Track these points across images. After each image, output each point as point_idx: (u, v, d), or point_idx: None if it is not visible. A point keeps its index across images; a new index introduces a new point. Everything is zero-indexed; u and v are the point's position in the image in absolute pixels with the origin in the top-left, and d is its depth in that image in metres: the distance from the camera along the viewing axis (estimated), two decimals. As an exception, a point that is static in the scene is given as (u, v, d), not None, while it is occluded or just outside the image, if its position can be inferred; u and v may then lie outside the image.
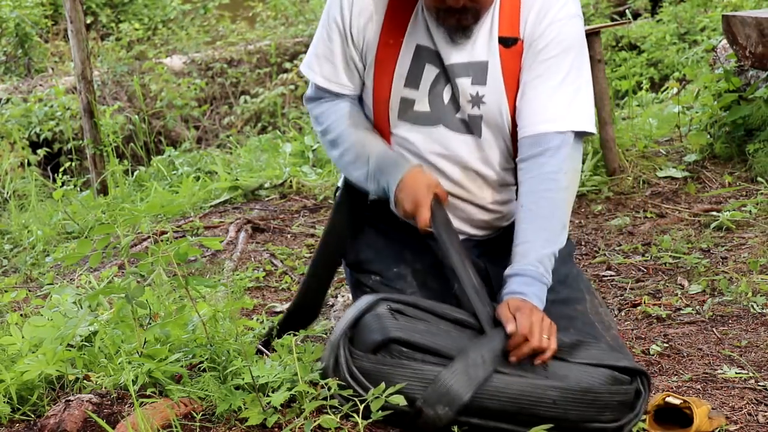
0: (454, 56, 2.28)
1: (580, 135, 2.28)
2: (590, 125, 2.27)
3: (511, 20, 2.28)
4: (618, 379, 2.13)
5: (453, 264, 2.22)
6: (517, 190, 2.35)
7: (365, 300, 2.18)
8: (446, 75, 2.30)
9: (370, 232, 2.47)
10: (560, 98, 2.25)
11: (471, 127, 2.33)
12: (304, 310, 2.54)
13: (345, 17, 2.33)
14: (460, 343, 2.10)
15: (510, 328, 2.07)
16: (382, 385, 2.03)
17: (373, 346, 2.09)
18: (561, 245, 2.24)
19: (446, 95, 2.32)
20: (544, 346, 2.07)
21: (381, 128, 2.39)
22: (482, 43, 2.28)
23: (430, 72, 2.30)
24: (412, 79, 2.31)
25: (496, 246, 2.41)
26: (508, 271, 2.19)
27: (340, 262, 2.53)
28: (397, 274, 2.38)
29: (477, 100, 2.30)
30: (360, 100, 2.43)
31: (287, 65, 9.05)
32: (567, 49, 2.27)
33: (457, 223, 2.37)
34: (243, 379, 2.14)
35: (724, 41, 4.67)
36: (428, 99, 2.32)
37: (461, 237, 2.36)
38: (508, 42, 2.28)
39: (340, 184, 2.54)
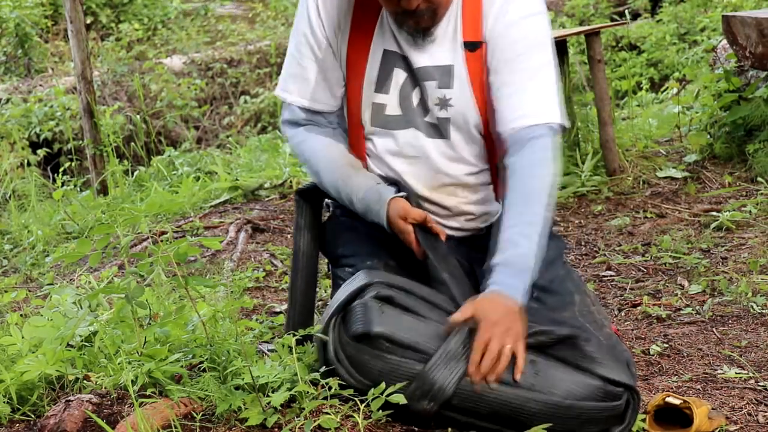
0: (421, 59, 2.31)
1: (555, 129, 2.28)
2: (565, 119, 2.30)
3: (473, 24, 2.30)
4: (609, 393, 2.09)
5: (443, 279, 2.24)
6: (495, 189, 2.41)
7: (359, 278, 2.20)
8: (415, 78, 2.33)
9: (349, 229, 2.50)
10: (535, 94, 2.26)
11: (440, 129, 2.35)
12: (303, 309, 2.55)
13: (316, 29, 2.34)
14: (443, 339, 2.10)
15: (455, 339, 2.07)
16: (382, 384, 2.03)
17: (356, 336, 2.11)
18: (549, 227, 2.21)
19: (415, 98, 2.34)
20: (487, 373, 2.03)
21: (357, 134, 2.40)
22: (446, 47, 2.31)
23: (398, 76, 2.33)
24: (382, 84, 2.33)
25: (479, 244, 2.41)
26: (495, 260, 2.15)
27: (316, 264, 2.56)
28: (370, 266, 2.38)
29: (444, 103, 2.33)
30: (341, 113, 2.44)
31: (287, 65, 9.05)
32: (532, 47, 2.27)
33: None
34: (243, 379, 2.14)
35: (724, 41, 4.67)
36: (398, 102, 2.34)
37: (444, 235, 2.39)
38: (472, 46, 2.30)
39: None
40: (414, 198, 2.36)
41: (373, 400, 2.04)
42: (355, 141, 2.41)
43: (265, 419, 2.07)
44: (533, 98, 2.25)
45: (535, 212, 2.18)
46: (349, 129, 2.42)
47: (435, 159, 2.35)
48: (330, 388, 2.08)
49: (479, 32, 2.30)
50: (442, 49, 2.30)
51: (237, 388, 2.16)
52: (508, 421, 2.07)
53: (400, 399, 2.01)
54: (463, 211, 2.42)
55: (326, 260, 2.62)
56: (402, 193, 2.32)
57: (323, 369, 2.13)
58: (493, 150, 2.38)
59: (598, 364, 2.11)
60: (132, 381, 2.15)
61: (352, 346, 2.12)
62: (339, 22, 2.33)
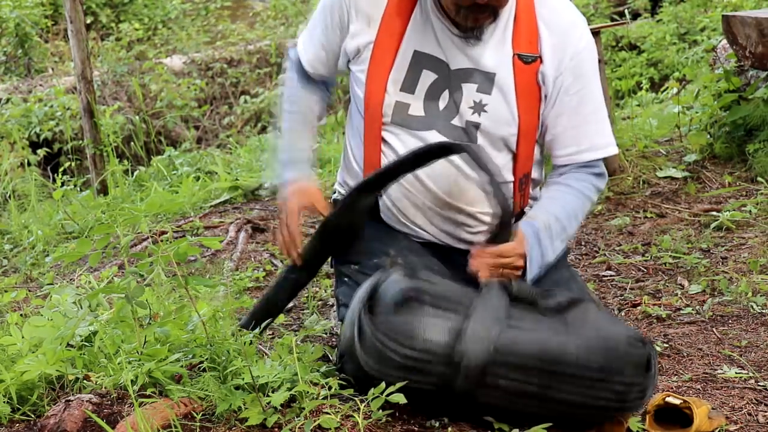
0: (462, 61, 2.31)
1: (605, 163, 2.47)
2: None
3: (528, 37, 2.31)
4: (633, 341, 2.11)
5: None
6: (514, 204, 2.43)
7: (377, 275, 2.20)
8: (447, 81, 2.32)
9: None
10: (600, 128, 2.40)
11: (467, 133, 2.34)
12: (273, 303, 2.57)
13: (341, 14, 2.38)
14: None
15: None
16: (382, 384, 2.03)
17: (395, 303, 2.10)
18: (569, 238, 2.40)
19: (442, 102, 2.34)
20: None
21: (372, 131, 2.39)
22: (491, 54, 2.31)
23: (427, 77, 2.32)
24: (409, 84, 2.33)
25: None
26: (531, 219, 2.32)
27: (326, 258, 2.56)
28: (376, 264, 2.38)
29: (479, 108, 2.32)
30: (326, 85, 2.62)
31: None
32: (592, 76, 2.37)
33: (446, 238, 2.42)
34: (243, 379, 2.13)
35: (724, 41, 4.66)
36: (423, 104, 2.33)
37: (454, 247, 2.42)
38: (527, 59, 2.31)
39: (341, 180, 2.57)
40: (427, 202, 2.37)
41: (372, 399, 2.04)
42: (371, 135, 2.39)
43: (265, 419, 2.07)
44: (596, 133, 2.39)
45: (571, 225, 2.37)
46: (366, 123, 2.39)
47: (455, 161, 2.33)
48: (330, 387, 2.08)
49: (535, 46, 2.31)
50: (488, 54, 2.31)
51: (237, 387, 2.16)
52: (549, 372, 2.05)
53: (400, 399, 2.01)
54: (478, 222, 2.41)
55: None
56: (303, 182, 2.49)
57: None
58: (520, 164, 2.39)
59: (617, 321, 2.21)
60: (132, 381, 2.15)
61: (393, 317, 2.09)
62: (369, 18, 2.34)
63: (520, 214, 2.45)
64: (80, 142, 5.85)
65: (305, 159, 2.54)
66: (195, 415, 2.12)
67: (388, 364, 2.05)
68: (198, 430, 2.07)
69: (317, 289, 3.34)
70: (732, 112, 4.46)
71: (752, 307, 2.94)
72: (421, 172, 2.34)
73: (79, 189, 5.53)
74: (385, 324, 2.07)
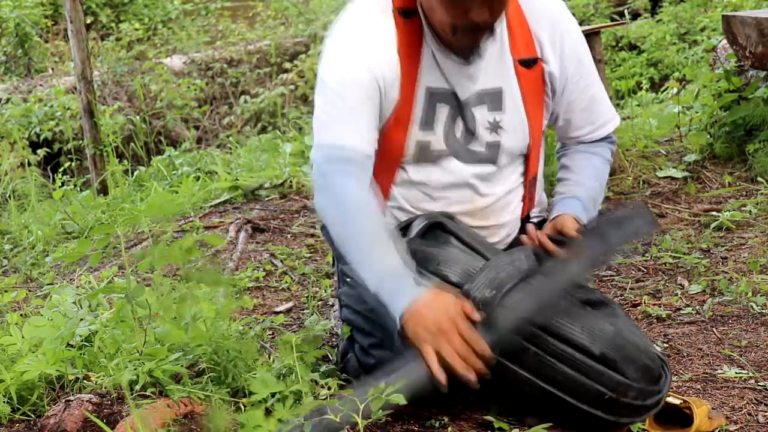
0: (469, 87, 2.28)
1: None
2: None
3: (524, 41, 2.30)
4: (649, 348, 2.14)
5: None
6: (524, 206, 2.46)
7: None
8: (458, 110, 2.30)
9: None
10: (604, 103, 2.46)
11: (488, 155, 2.34)
12: None
13: (380, 76, 2.22)
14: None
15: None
16: (382, 384, 2.03)
17: (422, 231, 2.21)
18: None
19: (458, 130, 2.32)
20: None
21: (389, 165, 2.35)
22: (493, 69, 2.29)
23: (442, 111, 2.29)
24: (427, 123, 2.29)
25: None
26: (565, 193, 2.39)
27: None
28: None
29: (495, 126, 2.32)
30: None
31: (287, 65, 9.05)
32: (586, 55, 2.41)
33: None
34: (247, 385, 2.12)
35: (724, 41, 4.66)
36: (444, 137, 2.31)
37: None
38: (528, 63, 2.31)
39: None
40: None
41: (372, 400, 2.04)
42: (383, 170, 2.34)
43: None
44: (604, 108, 2.46)
45: (599, 190, 2.43)
46: (381, 161, 2.31)
47: (475, 184, 2.35)
48: (330, 387, 2.08)
49: (533, 48, 2.31)
50: (490, 71, 2.28)
51: (237, 391, 2.16)
52: (544, 343, 2.09)
53: (400, 399, 2.01)
54: (493, 233, 2.42)
55: (330, 257, 2.61)
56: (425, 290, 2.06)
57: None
58: (531, 166, 2.42)
59: (642, 335, 2.20)
60: (132, 381, 2.15)
61: (416, 242, 2.20)
62: (394, 72, 2.23)
63: (527, 219, 2.48)
64: (80, 142, 5.85)
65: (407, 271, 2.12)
66: (195, 415, 2.11)
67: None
68: (198, 430, 2.07)
69: (317, 289, 3.34)
70: (732, 112, 4.45)
71: (752, 307, 2.94)
72: (441, 200, 2.35)
73: (79, 189, 5.53)
74: (410, 243, 2.19)
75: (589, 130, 2.45)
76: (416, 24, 2.25)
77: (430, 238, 2.25)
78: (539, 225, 2.41)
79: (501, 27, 2.28)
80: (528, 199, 2.46)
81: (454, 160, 2.33)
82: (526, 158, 2.40)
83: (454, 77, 2.27)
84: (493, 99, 2.30)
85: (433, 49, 2.26)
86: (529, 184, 2.44)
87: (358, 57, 2.21)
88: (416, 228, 2.26)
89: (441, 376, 1.97)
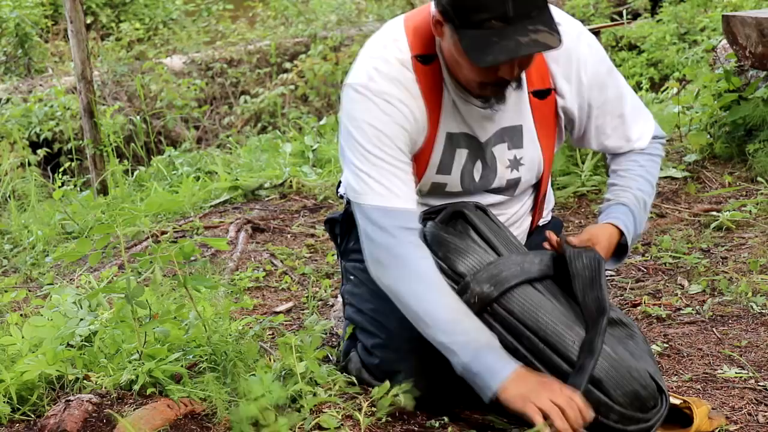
0: (488, 128, 2.27)
1: (658, 134, 2.47)
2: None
3: (538, 72, 2.27)
4: (650, 374, 2.11)
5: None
6: (533, 219, 2.47)
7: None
8: (478, 151, 2.29)
9: None
10: (637, 114, 2.40)
11: (507, 189, 2.36)
12: None
13: (411, 128, 2.20)
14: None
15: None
16: (387, 384, 2.03)
17: (446, 217, 2.26)
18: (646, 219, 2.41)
19: (477, 172, 2.32)
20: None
21: None
22: (511, 106, 2.26)
23: (460, 156, 2.29)
24: (445, 167, 2.29)
25: None
26: (611, 199, 2.35)
27: None
28: None
29: (516, 164, 2.32)
30: None
31: (287, 65, 9.05)
32: (609, 74, 2.34)
33: None
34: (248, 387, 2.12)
35: (724, 41, 4.66)
36: (459, 181, 2.32)
37: None
38: (542, 94, 2.29)
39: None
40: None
41: (380, 399, 2.04)
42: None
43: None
44: (638, 122, 2.40)
45: (649, 188, 2.38)
46: None
47: (487, 210, 2.35)
48: (330, 387, 2.08)
49: (547, 80, 2.28)
50: (509, 108, 2.26)
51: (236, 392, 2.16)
52: (538, 352, 2.10)
53: (408, 401, 2.01)
54: None
55: (332, 255, 2.61)
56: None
57: None
58: (542, 188, 2.43)
59: (643, 358, 2.16)
60: (132, 381, 2.15)
61: (438, 226, 2.24)
62: (423, 122, 2.22)
63: (537, 228, 2.50)
64: (80, 142, 5.85)
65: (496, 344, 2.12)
66: (195, 415, 2.12)
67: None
68: (198, 430, 2.07)
69: (317, 289, 3.34)
70: (732, 112, 4.45)
71: (752, 307, 2.94)
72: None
73: (79, 189, 5.53)
74: (432, 226, 2.25)
75: (627, 145, 2.40)
76: (436, 69, 2.21)
77: (451, 226, 2.26)
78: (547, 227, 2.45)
79: None
80: (537, 212, 2.48)
81: (470, 197, 2.35)
82: (539, 181, 2.41)
83: (475, 121, 2.25)
84: (513, 136, 2.29)
85: (453, 95, 2.22)
86: (539, 201, 2.45)
87: (390, 111, 2.16)
88: (442, 214, 2.28)
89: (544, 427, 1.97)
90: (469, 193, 2.33)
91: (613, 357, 2.08)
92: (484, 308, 2.14)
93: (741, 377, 2.47)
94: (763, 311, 2.90)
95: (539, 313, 2.11)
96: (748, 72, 4.55)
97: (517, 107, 2.28)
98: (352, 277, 2.42)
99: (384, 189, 2.14)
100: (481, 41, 1.99)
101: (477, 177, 2.31)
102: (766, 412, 2.29)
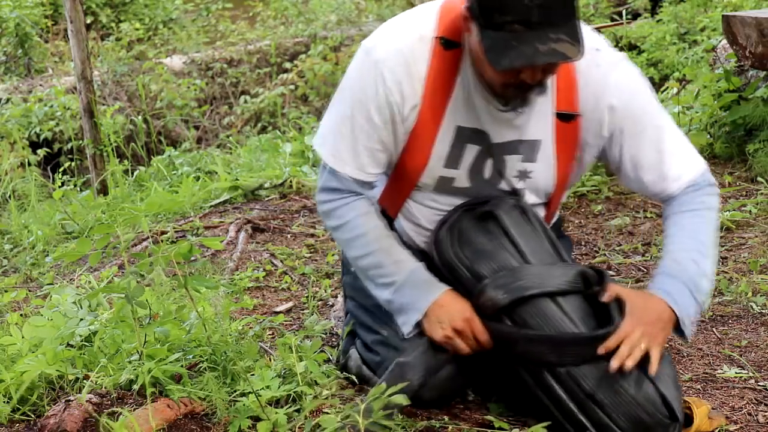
0: (505, 134, 2.24)
1: (707, 176, 2.32)
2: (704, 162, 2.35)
3: (567, 95, 2.23)
4: (660, 406, 2.10)
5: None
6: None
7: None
8: (489, 152, 2.26)
9: None
10: (679, 151, 2.28)
11: (513, 194, 2.34)
12: None
13: (386, 106, 2.20)
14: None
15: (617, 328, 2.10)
16: (383, 385, 2.03)
17: (480, 214, 2.25)
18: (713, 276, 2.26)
19: (487, 171, 2.29)
20: (625, 358, 2.07)
21: (401, 189, 2.35)
22: (536, 122, 2.24)
23: (471, 151, 2.26)
24: (453, 160, 2.26)
25: None
26: (660, 270, 2.22)
27: None
28: None
29: (524, 175, 2.30)
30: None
31: (287, 65, 9.05)
32: (649, 107, 2.26)
33: None
34: (248, 385, 2.13)
35: (724, 41, 4.67)
36: (468, 176, 2.29)
37: None
38: (567, 117, 2.24)
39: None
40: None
41: (374, 400, 2.04)
42: (393, 193, 2.36)
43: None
44: (678, 157, 2.27)
45: (706, 246, 2.23)
46: (392, 184, 2.35)
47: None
48: (330, 387, 2.08)
49: (573, 103, 2.23)
50: (532, 122, 2.23)
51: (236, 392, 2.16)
52: (535, 363, 2.12)
53: (402, 400, 2.01)
54: None
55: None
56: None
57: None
58: (551, 209, 2.41)
59: (663, 382, 2.12)
60: (132, 381, 2.15)
61: (470, 221, 2.25)
62: (413, 101, 2.20)
63: None
64: (80, 142, 5.85)
65: (427, 275, 2.26)
66: (195, 415, 2.12)
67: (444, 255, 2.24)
68: (198, 430, 2.07)
69: (317, 289, 3.34)
70: (732, 112, 4.45)
71: (752, 307, 2.94)
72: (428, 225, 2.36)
73: (79, 189, 5.53)
74: (463, 220, 2.26)
75: (664, 184, 2.28)
76: (454, 57, 2.19)
77: (483, 224, 2.26)
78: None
79: (552, 81, 2.20)
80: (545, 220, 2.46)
81: (476, 193, 2.33)
82: (549, 202, 2.39)
83: (489, 120, 2.22)
84: (529, 150, 2.27)
85: (470, 89, 2.20)
86: (550, 214, 2.43)
87: (381, 79, 2.17)
88: (477, 209, 2.28)
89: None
90: (475, 192, 2.31)
91: (619, 380, 2.08)
92: (496, 314, 2.14)
93: (741, 377, 2.47)
94: (763, 311, 2.90)
95: (547, 329, 2.12)
96: (748, 72, 4.55)
97: (541, 123, 2.24)
98: (352, 269, 2.42)
99: (344, 153, 2.26)
100: (500, 43, 1.99)
101: (486, 175, 2.29)
102: (766, 412, 2.29)
